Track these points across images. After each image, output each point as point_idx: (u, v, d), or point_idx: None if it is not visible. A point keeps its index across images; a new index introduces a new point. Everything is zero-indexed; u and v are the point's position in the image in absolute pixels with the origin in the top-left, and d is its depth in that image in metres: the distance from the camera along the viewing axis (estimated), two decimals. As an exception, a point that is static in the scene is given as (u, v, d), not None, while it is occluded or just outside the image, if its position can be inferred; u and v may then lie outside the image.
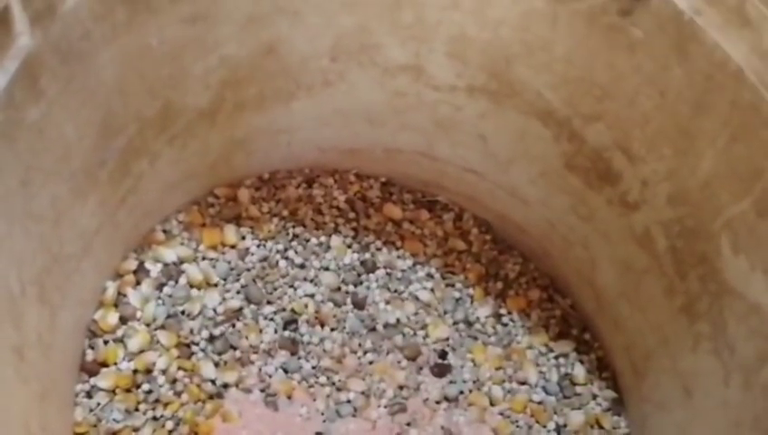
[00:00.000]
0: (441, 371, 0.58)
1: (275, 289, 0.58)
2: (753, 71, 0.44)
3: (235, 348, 0.56)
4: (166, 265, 0.57)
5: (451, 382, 0.58)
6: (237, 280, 0.58)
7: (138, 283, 0.56)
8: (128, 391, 0.53)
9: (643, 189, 0.52)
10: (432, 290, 0.61)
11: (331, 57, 0.55)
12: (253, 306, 0.57)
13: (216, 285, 0.57)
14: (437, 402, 0.57)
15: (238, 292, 0.57)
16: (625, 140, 0.52)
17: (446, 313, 0.60)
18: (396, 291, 0.60)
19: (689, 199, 0.50)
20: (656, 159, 0.51)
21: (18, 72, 0.39)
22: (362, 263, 0.61)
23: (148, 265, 0.56)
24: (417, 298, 0.60)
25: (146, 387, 0.53)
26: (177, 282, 0.56)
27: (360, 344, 0.58)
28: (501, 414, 0.58)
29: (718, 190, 0.47)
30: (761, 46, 0.43)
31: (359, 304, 0.59)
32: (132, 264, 0.56)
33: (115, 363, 0.53)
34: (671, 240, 0.52)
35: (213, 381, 0.54)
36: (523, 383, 0.59)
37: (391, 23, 0.53)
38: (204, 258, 0.58)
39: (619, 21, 0.48)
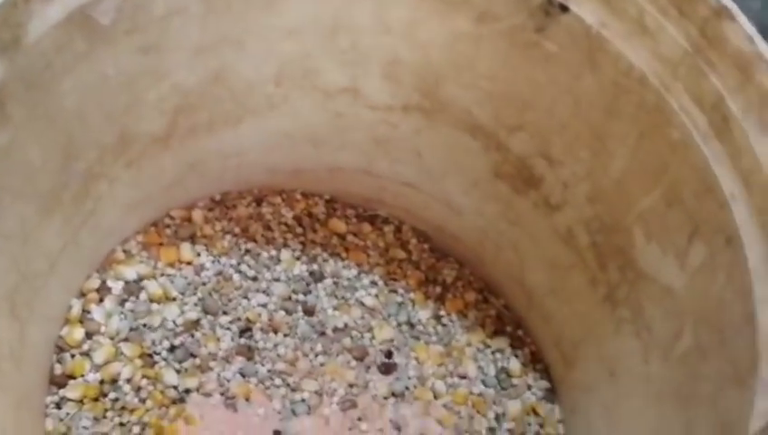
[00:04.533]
0: (387, 369, 0.62)
1: (230, 300, 0.62)
2: (655, 75, 0.49)
3: (194, 356, 0.59)
4: (127, 282, 0.60)
5: (397, 379, 0.62)
6: (194, 294, 0.61)
7: (101, 300, 0.59)
8: (95, 400, 0.56)
9: (564, 191, 0.57)
10: (376, 296, 0.65)
11: (275, 82, 0.59)
12: (210, 317, 0.61)
13: (174, 299, 0.61)
14: (385, 398, 0.61)
15: (196, 304, 0.61)
16: (545, 146, 0.57)
17: (389, 316, 0.65)
18: (343, 298, 0.65)
19: (605, 197, 0.55)
20: (574, 162, 0.56)
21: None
22: (311, 273, 0.65)
23: (110, 282, 0.60)
24: (362, 304, 0.65)
25: (112, 395, 0.56)
26: (138, 297, 0.60)
27: (311, 348, 0.62)
28: (444, 406, 0.62)
29: (630, 186, 0.53)
30: (660, 52, 0.49)
31: (309, 311, 0.63)
32: (95, 282, 0.59)
33: (82, 375, 0.56)
34: (592, 236, 0.57)
35: (175, 387, 0.58)
36: (463, 377, 0.63)
37: (330, 49, 0.57)
38: (162, 275, 0.61)
39: (535, 37, 0.53)
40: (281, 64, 0.58)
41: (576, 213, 0.58)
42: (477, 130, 0.59)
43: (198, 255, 0.63)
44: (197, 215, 0.64)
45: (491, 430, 0.62)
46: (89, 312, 0.58)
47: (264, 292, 0.63)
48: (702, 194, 0.48)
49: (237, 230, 0.65)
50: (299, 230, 0.66)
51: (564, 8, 0.51)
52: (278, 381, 0.60)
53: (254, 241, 0.65)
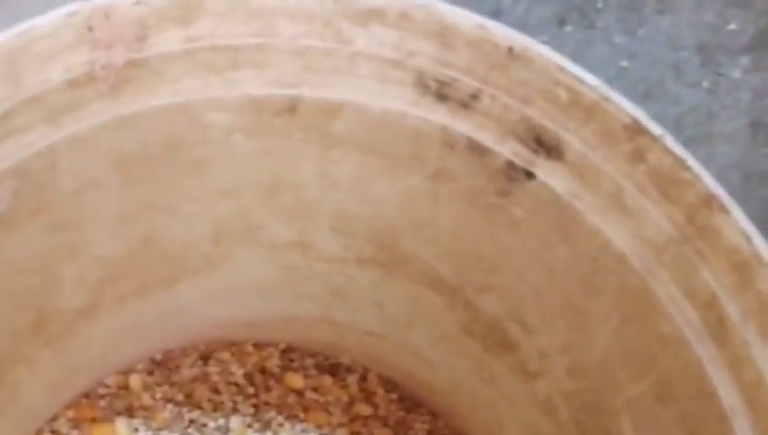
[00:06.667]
0: None
1: (172, 484, 0.56)
2: (637, 257, 0.42)
3: None
4: (54, 471, 0.54)
5: None
6: (131, 479, 0.55)
7: (23, 495, 0.53)
8: None
9: (541, 360, 0.51)
10: (339, 465, 0.59)
11: (213, 241, 0.52)
12: (149, 508, 0.55)
13: (108, 489, 0.55)
14: None
15: (133, 493, 0.55)
16: (518, 311, 0.50)
17: (354, 489, 0.58)
18: (301, 470, 0.58)
19: (588, 374, 0.48)
20: (551, 332, 0.49)
21: None
22: (264, 443, 0.58)
23: (34, 474, 0.54)
24: (323, 477, 0.58)
25: None
26: (66, 489, 0.54)
27: None
28: None
29: (615, 369, 0.46)
30: (641, 234, 0.42)
31: (262, 491, 0.57)
32: (17, 474, 0.53)
33: None
34: (573, 412, 0.50)
35: None
36: None
37: (272, 205, 0.51)
38: (95, 458, 0.55)
39: (498, 200, 0.47)
40: (218, 223, 0.52)
41: (556, 385, 0.51)
42: (441, 286, 0.53)
43: (136, 430, 0.56)
44: (135, 381, 0.58)
45: None
46: (10, 511, 0.52)
47: (210, 472, 0.57)
48: (697, 398, 0.41)
49: (180, 397, 0.58)
50: (251, 390, 0.60)
51: (529, 174, 0.45)
52: None
53: (200, 408, 0.58)
